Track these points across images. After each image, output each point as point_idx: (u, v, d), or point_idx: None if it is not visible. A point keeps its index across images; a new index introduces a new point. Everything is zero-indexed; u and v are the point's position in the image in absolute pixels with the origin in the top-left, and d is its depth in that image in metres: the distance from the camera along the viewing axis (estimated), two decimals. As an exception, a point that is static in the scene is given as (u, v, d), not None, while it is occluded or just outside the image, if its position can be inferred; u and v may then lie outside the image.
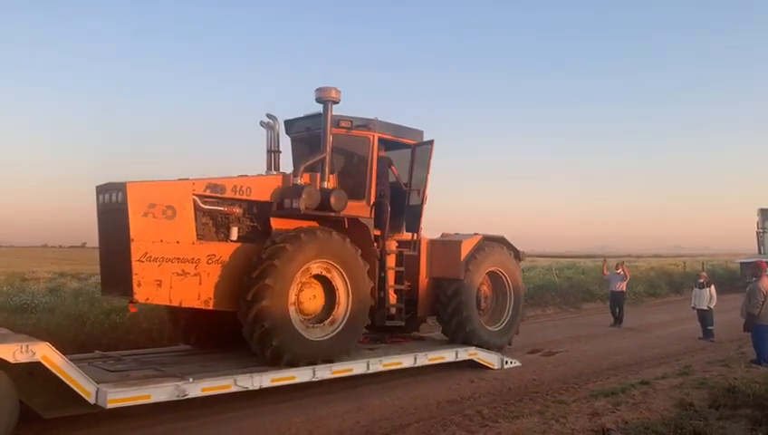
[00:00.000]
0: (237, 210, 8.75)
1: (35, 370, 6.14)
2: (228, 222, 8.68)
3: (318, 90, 8.99)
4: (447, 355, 10.02)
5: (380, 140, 10.04)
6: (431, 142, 10.63)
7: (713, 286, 15.02)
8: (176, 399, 6.94)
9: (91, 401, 6.34)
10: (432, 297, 10.86)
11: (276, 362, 8.09)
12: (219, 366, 8.19)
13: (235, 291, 8.19)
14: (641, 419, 7.11)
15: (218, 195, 8.46)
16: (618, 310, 17.39)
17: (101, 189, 8.09)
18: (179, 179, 8.15)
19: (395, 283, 10.16)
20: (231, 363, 8.41)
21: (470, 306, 10.62)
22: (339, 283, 8.91)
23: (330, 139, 9.11)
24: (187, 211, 8.00)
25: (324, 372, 8.37)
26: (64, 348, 7.01)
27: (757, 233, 32.56)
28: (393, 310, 10.14)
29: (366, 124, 9.84)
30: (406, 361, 9.41)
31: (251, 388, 7.56)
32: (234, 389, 7.43)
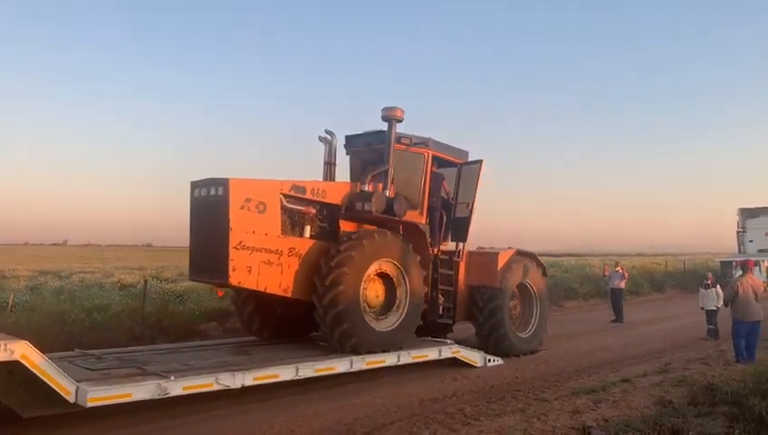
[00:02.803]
0: (312, 210, 9.74)
1: (14, 368, 6.05)
2: (304, 221, 9.67)
3: (384, 109, 10.10)
4: (431, 353, 10.07)
5: (433, 157, 11.10)
6: (480, 162, 11.80)
7: (718, 287, 15.13)
8: (157, 397, 6.88)
9: (71, 399, 6.28)
10: (468, 303, 11.79)
11: (343, 345, 9.03)
12: (200, 365, 8.14)
13: (308, 282, 9.14)
14: (621, 416, 7.17)
15: (300, 195, 9.49)
16: (617, 306, 18.08)
17: (199, 184, 9.00)
18: (270, 179, 9.16)
19: (444, 285, 11.32)
20: (212, 362, 8.38)
21: (504, 312, 11.57)
22: (399, 281, 9.90)
23: (392, 153, 10.17)
24: (275, 207, 9.03)
25: (307, 371, 8.37)
26: (44, 346, 6.93)
27: (737, 232, 33.02)
28: (442, 309, 11.31)
29: (424, 142, 10.92)
30: (389, 359, 9.43)
31: (233, 386, 7.53)
32: (215, 387, 7.39)
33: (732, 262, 29.41)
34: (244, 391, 7.80)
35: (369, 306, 9.53)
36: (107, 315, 12.71)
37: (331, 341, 9.18)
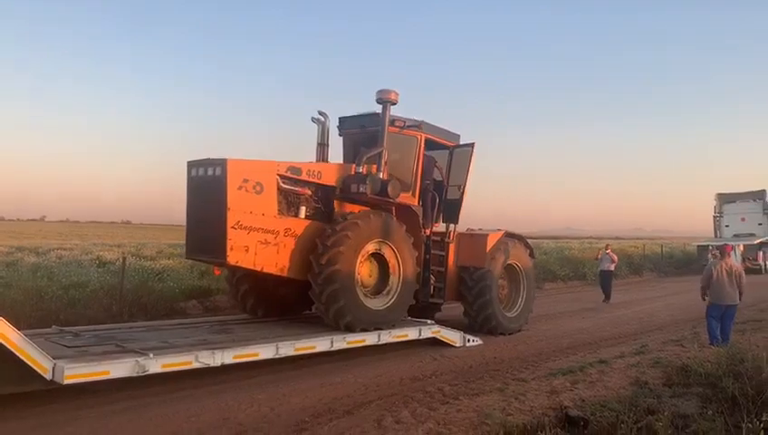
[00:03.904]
0: (308, 191, 9.85)
1: (-11, 345, 5.99)
2: (299, 201, 9.75)
3: (379, 91, 10.13)
4: (411, 333, 10.12)
5: (426, 139, 11.24)
6: (472, 145, 11.93)
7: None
8: (135, 375, 6.84)
9: (48, 377, 6.21)
10: (458, 283, 12.02)
11: (338, 322, 9.21)
12: (180, 343, 8.10)
13: (303, 262, 9.32)
14: (598, 396, 7.27)
15: (296, 176, 9.58)
16: (606, 287, 18.80)
17: (196, 164, 9.04)
18: (267, 160, 9.28)
19: (436, 265, 11.54)
20: (192, 340, 8.35)
21: (492, 292, 11.81)
22: (393, 261, 10.10)
23: (386, 135, 10.21)
24: (272, 188, 9.13)
25: (287, 350, 8.36)
26: (20, 323, 6.87)
27: (714, 217, 33.54)
28: (433, 289, 11.55)
29: (417, 125, 11.08)
30: (369, 338, 9.45)
31: (212, 364, 7.50)
32: (195, 365, 7.35)
33: (708, 246, 29.88)
34: (224, 369, 7.78)
35: (363, 285, 9.74)
36: (85, 292, 12.59)
37: (326, 318, 9.33)
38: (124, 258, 14.90)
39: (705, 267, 11.23)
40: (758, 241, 30.19)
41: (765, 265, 30.20)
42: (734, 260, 11.18)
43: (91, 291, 12.73)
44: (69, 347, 7.41)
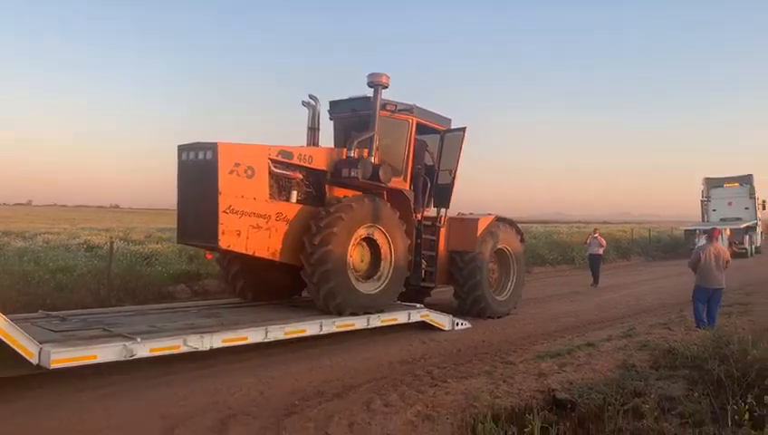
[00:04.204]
0: (299, 175, 9.83)
1: (-26, 330, 5.93)
2: (290, 186, 9.73)
3: (370, 75, 10.03)
4: (400, 317, 10.14)
5: (417, 124, 11.21)
6: (464, 129, 11.94)
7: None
8: (123, 359, 6.81)
9: (34, 361, 6.18)
10: (448, 267, 12.00)
11: (328, 303, 9.22)
12: (168, 327, 8.06)
13: (295, 246, 9.33)
14: (585, 379, 7.32)
15: (287, 160, 9.54)
16: (594, 271, 19.08)
17: (186, 148, 8.98)
18: (258, 144, 9.24)
19: (427, 250, 11.59)
20: (180, 324, 8.31)
21: (482, 275, 11.84)
22: (384, 246, 10.11)
23: (377, 119, 10.13)
24: (263, 172, 9.10)
25: (277, 333, 8.35)
26: (6, 308, 6.80)
27: (702, 201, 33.72)
28: (425, 273, 11.59)
29: (408, 109, 10.99)
30: (359, 322, 9.46)
31: (201, 349, 7.48)
32: (183, 349, 7.33)
33: (695, 230, 30.08)
34: (213, 353, 7.76)
35: (355, 269, 9.76)
36: (72, 277, 12.50)
37: (316, 299, 9.35)
38: (112, 242, 14.77)
39: (692, 251, 11.29)
40: (744, 225, 30.43)
41: (751, 248, 30.48)
42: (721, 244, 11.26)
43: (79, 275, 12.64)
44: (55, 331, 7.36)
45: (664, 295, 15.64)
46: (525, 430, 4.38)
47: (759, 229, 32.69)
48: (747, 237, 30.10)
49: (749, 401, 5.29)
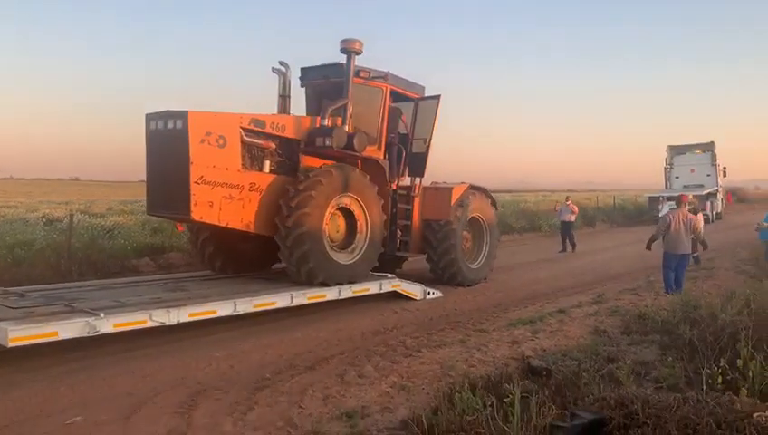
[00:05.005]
0: (272, 145, 9.59)
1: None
2: (263, 155, 9.49)
3: (343, 41, 9.79)
4: (372, 287, 10.03)
5: (391, 91, 11.02)
6: (438, 97, 11.84)
7: (699, 214, 15.25)
8: (86, 335, 6.57)
9: (-9, 339, 5.91)
10: (422, 236, 12.00)
11: (311, 281, 9.12)
12: (132, 301, 7.81)
13: (270, 217, 9.14)
14: (558, 346, 7.35)
15: (259, 129, 9.30)
16: (569, 237, 19.24)
17: (155, 117, 8.67)
18: (230, 112, 8.96)
19: (402, 219, 11.54)
20: (145, 299, 8.06)
21: (455, 244, 11.84)
22: (360, 215, 10.02)
23: (351, 87, 9.90)
24: (235, 141, 8.87)
25: (246, 306, 8.17)
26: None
27: (665, 169, 34.20)
28: (400, 242, 11.58)
29: (382, 76, 10.81)
30: (330, 293, 9.33)
31: (168, 323, 7.26)
32: (149, 324, 7.11)
33: (659, 197, 30.54)
34: (181, 327, 7.56)
35: (331, 241, 9.69)
36: (31, 251, 12.09)
37: (289, 263, 9.22)
38: (71, 215, 14.30)
39: (660, 217, 11.39)
40: (706, 192, 30.98)
41: (713, 215, 31.10)
42: (693, 213, 11.35)
43: (38, 250, 12.22)
44: (14, 308, 7.06)
45: (630, 261, 15.83)
46: (506, 400, 4.31)
47: (720, 196, 33.34)
48: (709, 204, 30.66)
49: (722, 364, 5.33)
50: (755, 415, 3.44)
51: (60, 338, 6.37)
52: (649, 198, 32.80)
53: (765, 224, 15.43)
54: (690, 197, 15.26)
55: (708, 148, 33.20)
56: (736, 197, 48.24)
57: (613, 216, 32.05)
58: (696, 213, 13.66)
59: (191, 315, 7.55)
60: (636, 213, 33.90)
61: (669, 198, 29.26)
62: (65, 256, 11.94)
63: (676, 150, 34.00)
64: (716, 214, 32.19)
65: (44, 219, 17.27)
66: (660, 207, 29.62)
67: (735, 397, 4.14)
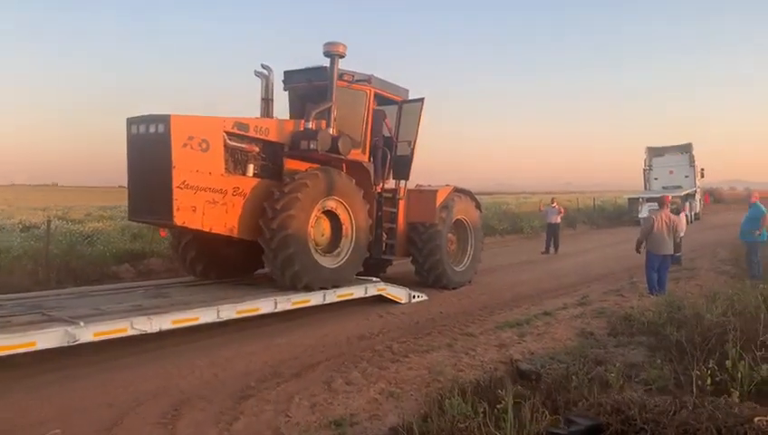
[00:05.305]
0: (255, 148, 9.42)
1: None
2: (247, 159, 9.34)
3: (326, 44, 9.72)
4: (357, 291, 9.92)
5: (375, 94, 11.02)
6: (422, 100, 11.86)
7: (682, 214, 15.30)
8: (66, 345, 6.40)
9: (-34, 351, 5.72)
10: (408, 239, 11.98)
11: (294, 285, 9.02)
12: (113, 309, 7.63)
13: (253, 221, 9.02)
14: (546, 349, 7.31)
15: (243, 133, 9.17)
16: (553, 239, 19.41)
17: (137, 121, 8.50)
18: (213, 116, 8.84)
19: (388, 222, 11.51)
20: (126, 306, 7.88)
21: (441, 247, 11.82)
22: (345, 219, 9.95)
23: (335, 90, 9.85)
24: (218, 145, 8.74)
25: (229, 313, 8.02)
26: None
27: (644, 170, 34.52)
28: (386, 245, 11.51)
29: (366, 79, 10.74)
30: (315, 298, 9.20)
31: (149, 331, 7.10)
32: (130, 332, 6.94)
33: (639, 199, 30.81)
34: (163, 335, 7.40)
35: (316, 244, 9.60)
36: (7, 258, 11.84)
37: (274, 267, 9.09)
38: (49, 221, 14.03)
39: (644, 219, 11.46)
40: (684, 193, 31.31)
41: (691, 215, 31.43)
42: (676, 215, 11.45)
43: (15, 257, 11.97)
44: (-11, 318, 6.86)
45: (612, 262, 15.92)
46: (498, 406, 4.24)
47: (698, 197, 33.72)
48: (687, 205, 31.00)
49: (711, 365, 5.31)
50: (756, 420, 3.41)
51: (38, 348, 6.19)
52: (629, 199, 33.08)
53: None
54: (671, 197, 15.33)
55: (686, 149, 33.58)
56: (713, 197, 48.93)
57: (593, 217, 32.25)
58: (678, 213, 13.80)
59: (174, 323, 7.39)
60: (616, 214, 34.16)
61: (649, 200, 29.55)
62: (43, 264, 11.70)
63: (654, 152, 34.34)
64: (695, 214, 32.54)
65: (21, 226, 16.97)
66: (640, 208, 29.90)
67: (734, 401, 4.11)
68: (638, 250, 11.26)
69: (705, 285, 11.77)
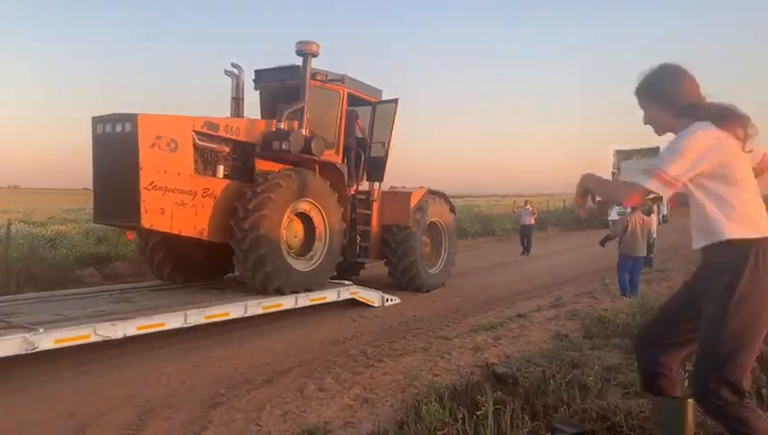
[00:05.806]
0: (226, 149, 9.21)
1: None
2: (217, 160, 9.13)
3: (299, 43, 9.58)
4: (329, 295, 9.76)
5: (348, 95, 10.88)
6: (396, 101, 11.77)
7: (653, 215, 15.30)
8: (24, 353, 6.11)
9: None
10: (382, 242, 11.87)
11: (265, 288, 8.86)
12: (75, 315, 7.34)
13: (224, 224, 8.82)
14: (522, 352, 7.21)
15: (213, 133, 8.96)
16: (526, 241, 19.67)
17: (103, 120, 8.26)
18: (181, 115, 8.62)
19: (362, 225, 11.43)
20: (89, 311, 7.59)
21: (415, 248, 11.78)
22: (319, 222, 9.82)
23: (308, 89, 9.72)
24: (187, 145, 8.51)
25: (197, 318, 7.79)
26: None
27: (612, 173, 34.93)
28: (360, 248, 11.44)
29: (339, 79, 10.63)
30: (287, 302, 9.02)
31: (113, 337, 6.84)
32: (93, 338, 6.67)
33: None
34: (128, 341, 7.14)
35: (289, 247, 9.47)
36: (-36, 263, 11.38)
37: (245, 269, 8.91)
38: (9, 224, 13.58)
39: (614, 222, 11.53)
40: (653, 195, 31.74)
41: (660, 218, 31.87)
42: (649, 217, 11.52)
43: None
44: (-57, 325, 6.53)
45: (583, 264, 16.01)
46: (478, 413, 4.11)
47: (665, 200, 34.24)
48: (656, 207, 31.46)
49: (688, 368, 5.25)
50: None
51: (-6, 357, 5.90)
52: (598, 202, 33.37)
53: None
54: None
55: (654, 152, 34.03)
56: (679, 200, 49.80)
57: (564, 220, 32.54)
58: (649, 214, 13.89)
59: (139, 328, 7.14)
60: (586, 217, 34.53)
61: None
62: (2, 268, 11.29)
63: (622, 155, 34.82)
64: (663, 217, 33.02)
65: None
66: (609, 211, 30.21)
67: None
68: (602, 244, 11.33)
69: (676, 286, 11.73)
